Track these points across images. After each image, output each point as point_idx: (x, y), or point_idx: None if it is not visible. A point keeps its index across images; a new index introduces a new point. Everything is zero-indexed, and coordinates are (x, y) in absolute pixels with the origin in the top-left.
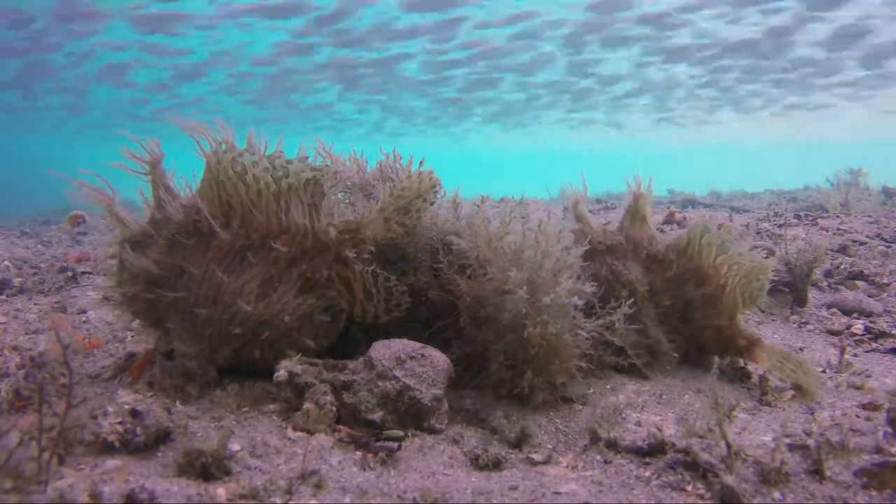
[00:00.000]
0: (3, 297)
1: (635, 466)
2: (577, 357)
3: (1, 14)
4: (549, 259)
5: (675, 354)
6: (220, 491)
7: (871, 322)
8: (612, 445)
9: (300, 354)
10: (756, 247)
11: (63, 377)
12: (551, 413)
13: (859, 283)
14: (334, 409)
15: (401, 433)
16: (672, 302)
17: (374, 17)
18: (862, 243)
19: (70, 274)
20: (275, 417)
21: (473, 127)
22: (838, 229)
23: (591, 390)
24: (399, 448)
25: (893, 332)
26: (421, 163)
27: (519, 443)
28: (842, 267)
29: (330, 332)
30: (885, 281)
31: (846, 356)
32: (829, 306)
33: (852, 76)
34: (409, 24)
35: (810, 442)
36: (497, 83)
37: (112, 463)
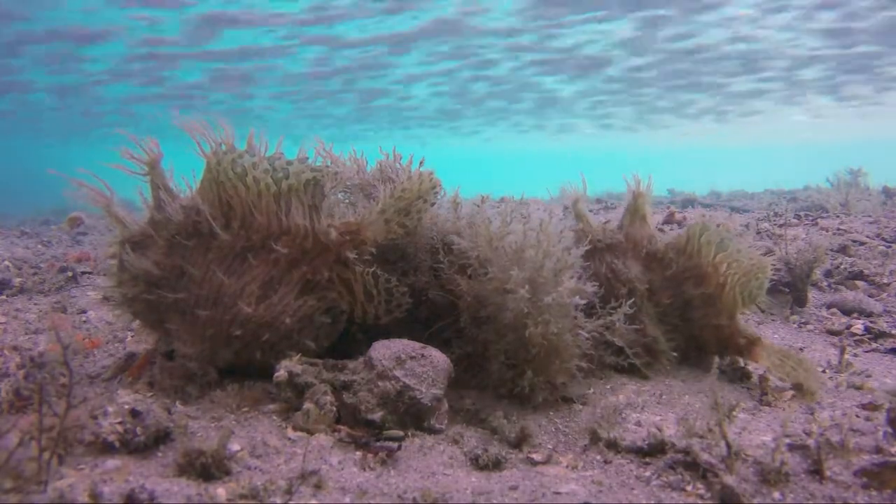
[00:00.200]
0: (3, 297)
1: (635, 466)
2: (578, 357)
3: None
4: (550, 259)
5: (675, 354)
6: (220, 491)
7: (871, 322)
8: (612, 445)
9: (300, 354)
10: (753, 246)
11: (63, 377)
12: (551, 413)
13: (859, 283)
14: (334, 409)
15: (401, 433)
16: (671, 300)
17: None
18: (862, 243)
19: (70, 274)
20: (275, 417)
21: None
22: (838, 229)
23: (591, 390)
24: (399, 448)
25: (893, 332)
26: (421, 163)
27: (519, 443)
28: (842, 267)
29: (330, 334)
30: (885, 281)
31: (846, 356)
32: (829, 306)
33: None
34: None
35: (810, 442)
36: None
37: (112, 463)
